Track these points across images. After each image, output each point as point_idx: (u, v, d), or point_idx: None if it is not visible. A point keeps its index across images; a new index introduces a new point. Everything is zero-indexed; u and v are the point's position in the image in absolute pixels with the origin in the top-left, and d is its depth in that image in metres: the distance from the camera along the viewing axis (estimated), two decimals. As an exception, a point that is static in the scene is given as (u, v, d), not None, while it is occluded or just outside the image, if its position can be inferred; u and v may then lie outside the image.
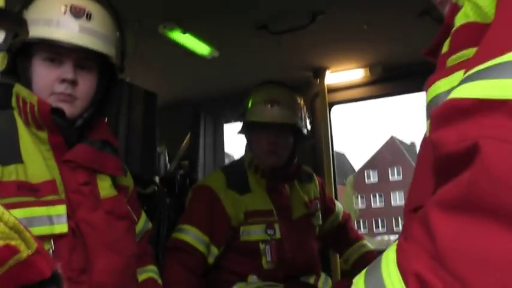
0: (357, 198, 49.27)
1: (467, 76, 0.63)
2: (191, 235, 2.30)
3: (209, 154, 3.12)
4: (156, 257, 2.23)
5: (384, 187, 49.53)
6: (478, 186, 0.54)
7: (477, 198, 0.54)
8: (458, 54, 0.77)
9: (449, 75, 0.76)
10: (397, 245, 0.65)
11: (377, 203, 49.96)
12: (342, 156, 54.84)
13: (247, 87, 2.61)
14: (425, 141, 0.87)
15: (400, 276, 0.60)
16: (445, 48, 0.84)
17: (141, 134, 2.47)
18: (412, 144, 54.83)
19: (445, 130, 0.61)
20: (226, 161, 3.49)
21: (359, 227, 46.07)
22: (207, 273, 2.36)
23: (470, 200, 0.55)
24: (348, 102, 3.40)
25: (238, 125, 2.63)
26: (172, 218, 2.62)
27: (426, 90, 0.82)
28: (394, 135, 52.98)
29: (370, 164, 51.43)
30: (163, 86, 3.10)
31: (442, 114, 0.63)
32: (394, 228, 47.19)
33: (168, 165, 3.15)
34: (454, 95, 0.63)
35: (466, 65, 0.73)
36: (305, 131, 2.59)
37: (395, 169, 50.02)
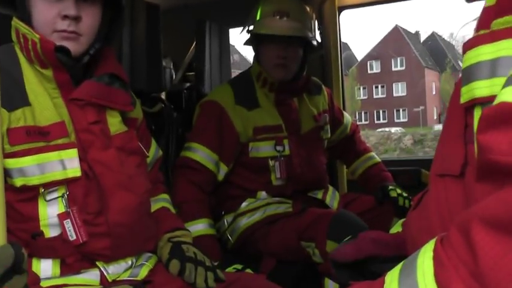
0: (359, 89, 49.19)
1: None
2: (200, 153, 2.30)
3: (215, 63, 3.03)
4: (165, 174, 2.25)
5: (386, 78, 49.24)
6: None
7: None
8: (507, 18, 0.69)
9: (495, 41, 0.69)
10: (434, 252, 0.62)
11: (379, 94, 49.93)
12: (345, 46, 53.94)
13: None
14: (454, 106, 0.82)
15: None
16: (490, 0, 0.76)
17: (146, 50, 2.37)
18: (417, 33, 53.73)
19: (495, 135, 0.57)
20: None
21: (360, 119, 46.50)
22: (216, 188, 2.39)
23: None
24: (359, 6, 3.24)
25: (242, 29, 2.54)
26: (180, 133, 2.61)
27: (464, 52, 0.76)
28: (398, 24, 51.64)
29: (373, 54, 50.73)
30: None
31: (493, 116, 0.58)
32: (395, 120, 47.57)
33: (174, 76, 3.08)
34: (506, 97, 0.57)
35: None
36: (315, 43, 2.51)
37: (398, 59, 49.43)
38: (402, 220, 1.30)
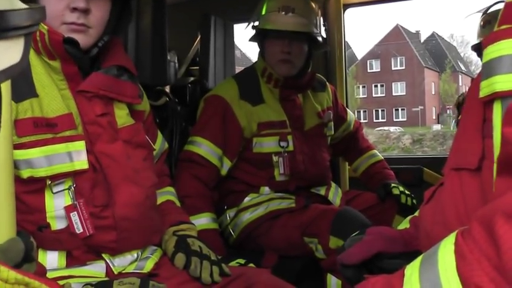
0: (358, 87, 49.18)
1: None
2: (204, 148, 2.29)
3: (219, 58, 3.02)
4: (169, 168, 2.24)
5: (386, 77, 49.24)
6: None
7: None
8: None
9: None
10: (455, 245, 0.62)
11: (378, 93, 49.93)
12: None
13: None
14: (471, 101, 0.82)
15: (461, 286, 0.57)
16: None
17: (151, 43, 2.36)
18: (417, 33, 53.69)
19: None
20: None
21: (359, 117, 46.48)
22: (219, 183, 2.38)
23: None
24: (363, 5, 3.25)
25: (248, 25, 2.53)
26: (184, 127, 2.61)
27: (485, 47, 0.76)
28: (399, 24, 51.51)
29: (373, 53, 50.72)
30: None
31: None
32: (394, 119, 47.59)
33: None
34: None
35: None
36: (320, 39, 2.51)
37: (398, 59, 49.43)
38: (410, 217, 1.30)
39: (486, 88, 0.73)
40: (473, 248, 0.58)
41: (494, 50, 0.72)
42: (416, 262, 0.67)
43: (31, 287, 0.73)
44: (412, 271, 0.66)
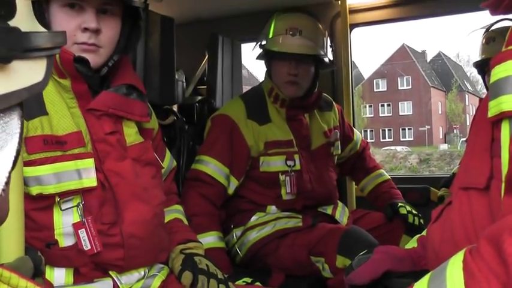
0: (365, 107, 49.17)
1: None
2: (211, 167, 2.30)
3: (227, 78, 3.04)
4: (176, 187, 2.25)
5: (393, 96, 49.25)
6: None
7: None
8: None
9: None
10: (464, 263, 0.62)
11: (385, 112, 49.90)
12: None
13: (265, 5, 2.48)
14: (479, 121, 0.83)
15: None
16: None
17: (159, 63, 2.39)
18: (423, 53, 53.79)
19: None
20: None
21: (366, 137, 46.41)
22: (226, 202, 2.39)
23: None
24: (370, 24, 3.26)
25: (255, 45, 2.56)
26: (191, 146, 2.62)
27: (492, 67, 0.77)
28: (405, 43, 51.67)
29: (380, 73, 50.80)
30: (178, 7, 2.98)
31: None
32: (401, 138, 47.48)
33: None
34: None
35: None
36: (327, 60, 2.52)
37: (404, 78, 49.47)
38: (418, 236, 1.30)
39: (494, 108, 0.74)
40: (482, 266, 0.58)
41: (501, 70, 0.73)
42: (425, 280, 0.67)
43: None
44: (421, 286, 0.66)
